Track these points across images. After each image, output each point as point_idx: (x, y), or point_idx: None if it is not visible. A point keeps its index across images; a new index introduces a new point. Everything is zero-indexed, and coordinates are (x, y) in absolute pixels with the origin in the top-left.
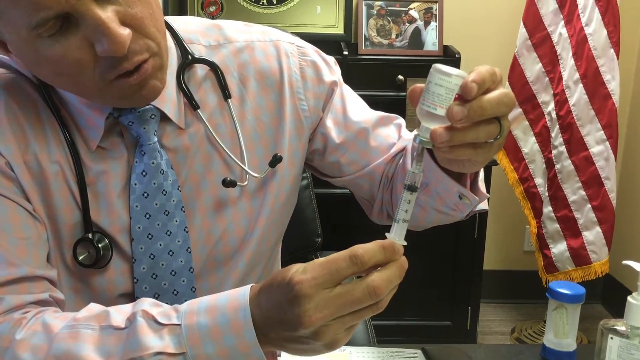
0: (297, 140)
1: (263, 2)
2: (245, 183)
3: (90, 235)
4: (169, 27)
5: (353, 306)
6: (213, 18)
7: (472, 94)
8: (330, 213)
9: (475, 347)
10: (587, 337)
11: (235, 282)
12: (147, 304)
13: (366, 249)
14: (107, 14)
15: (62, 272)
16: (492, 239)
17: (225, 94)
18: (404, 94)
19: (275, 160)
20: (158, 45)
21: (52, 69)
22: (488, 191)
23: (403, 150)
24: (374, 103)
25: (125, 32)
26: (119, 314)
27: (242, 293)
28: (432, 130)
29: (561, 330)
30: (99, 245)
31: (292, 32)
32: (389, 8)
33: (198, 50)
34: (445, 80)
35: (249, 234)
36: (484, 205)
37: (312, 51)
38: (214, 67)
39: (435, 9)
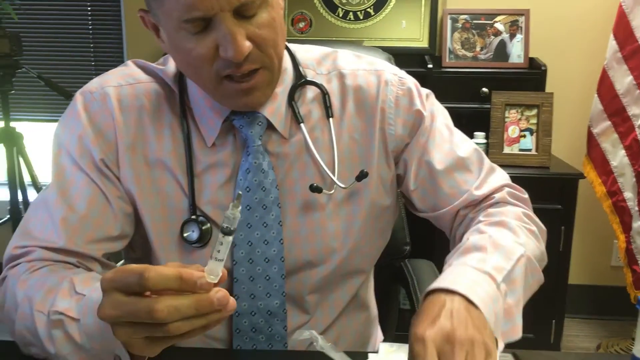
0: (384, 161)
1: (350, 18)
2: (332, 192)
3: (194, 217)
4: (290, 52)
5: (135, 317)
6: (302, 34)
7: None
8: (419, 221)
9: (564, 355)
10: None
11: (325, 284)
12: (85, 275)
13: (159, 274)
14: (238, 29)
15: (172, 248)
16: (579, 253)
17: (328, 113)
18: (488, 106)
19: (362, 175)
20: (271, 63)
21: (182, 57)
22: (575, 204)
23: (474, 203)
24: (457, 115)
25: (246, 44)
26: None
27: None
28: None
29: None
30: (202, 228)
31: (377, 46)
32: (474, 21)
33: (311, 74)
34: None
35: (338, 241)
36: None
37: (411, 83)
38: (321, 89)
39: (521, 22)
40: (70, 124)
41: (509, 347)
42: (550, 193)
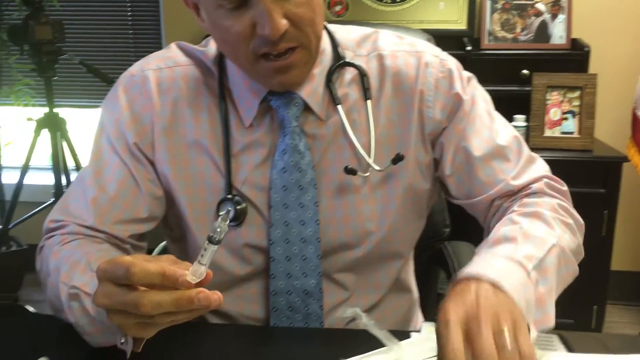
0: (421, 144)
1: (387, 0)
2: (367, 174)
3: (230, 196)
4: (329, 32)
5: (124, 307)
6: (338, 17)
7: None
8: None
9: (611, 337)
10: None
11: (362, 266)
12: (103, 253)
13: (143, 270)
14: (275, 6)
15: (209, 227)
16: (622, 239)
17: (366, 94)
18: (529, 88)
19: (397, 158)
20: (308, 42)
21: (221, 35)
22: (618, 188)
23: (509, 194)
24: (496, 98)
25: (282, 22)
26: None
27: None
28: None
29: None
30: (238, 207)
31: (415, 29)
32: (514, 2)
33: (350, 56)
34: None
35: (374, 223)
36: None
37: (452, 65)
38: (360, 70)
39: (564, 1)
40: (110, 106)
41: (558, 326)
42: (593, 177)
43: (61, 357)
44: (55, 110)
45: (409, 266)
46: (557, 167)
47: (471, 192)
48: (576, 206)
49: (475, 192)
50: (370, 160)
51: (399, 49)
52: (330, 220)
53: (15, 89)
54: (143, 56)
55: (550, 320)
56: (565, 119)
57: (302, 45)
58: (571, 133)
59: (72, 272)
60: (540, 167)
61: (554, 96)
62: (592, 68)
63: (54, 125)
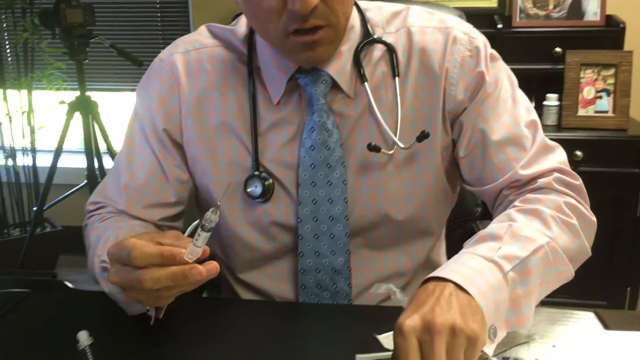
0: (443, 122)
1: None
2: (391, 152)
3: (257, 173)
4: (360, 10)
5: (131, 283)
6: None
7: None
8: None
9: None
10: None
11: (391, 245)
12: (130, 230)
13: (143, 252)
14: None
15: (237, 204)
16: None
17: (394, 72)
18: (562, 67)
19: (422, 136)
20: (337, 21)
21: (252, 10)
22: None
23: (516, 183)
24: (528, 77)
25: None
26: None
27: None
28: None
29: None
30: (265, 183)
31: (446, 6)
32: None
33: (379, 33)
34: None
35: (401, 201)
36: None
37: (481, 43)
38: (388, 47)
39: None
40: (141, 93)
41: (590, 307)
42: (628, 156)
43: (100, 331)
44: (87, 94)
45: (440, 246)
46: (591, 147)
47: (482, 177)
48: (610, 186)
49: (485, 178)
50: (396, 138)
51: (429, 24)
52: (357, 198)
53: (47, 72)
54: (171, 39)
55: (525, 322)
56: (600, 97)
57: (330, 24)
58: (605, 112)
59: (104, 247)
60: (554, 157)
61: (587, 74)
62: (628, 45)
63: (86, 108)
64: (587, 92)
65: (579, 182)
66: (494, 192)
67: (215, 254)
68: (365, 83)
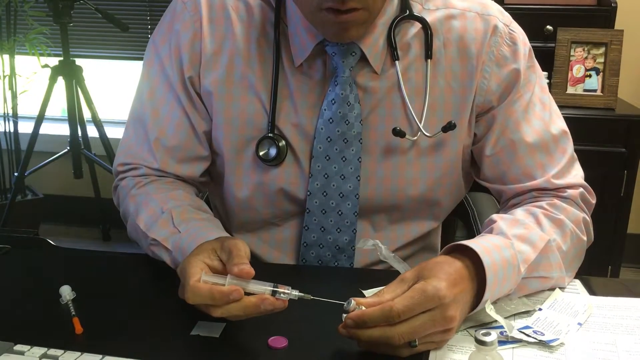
0: (470, 115)
1: None
2: (415, 138)
3: (271, 135)
4: None
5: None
6: None
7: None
8: None
9: (635, 283)
10: None
11: (397, 227)
12: (182, 209)
13: (195, 295)
14: None
15: (246, 166)
16: None
17: (428, 53)
18: (552, 45)
19: (448, 127)
20: (373, 5)
21: None
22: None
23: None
24: None
25: None
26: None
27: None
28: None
29: None
30: (279, 144)
31: None
32: None
33: (417, 9)
34: None
35: (414, 188)
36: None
37: (520, 39)
38: (425, 25)
39: None
40: (164, 38)
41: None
42: (615, 136)
43: (82, 286)
44: (71, 59)
45: (438, 230)
46: (579, 126)
47: (505, 177)
48: (596, 165)
49: (509, 179)
50: (421, 125)
51: (471, 8)
52: (370, 178)
53: (30, 37)
54: (157, 3)
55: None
56: (589, 76)
57: (367, 7)
58: (594, 91)
59: (151, 222)
60: (579, 170)
61: (578, 52)
62: (619, 24)
63: (70, 73)
64: (577, 71)
65: (594, 200)
66: (515, 192)
67: (215, 206)
68: (397, 62)
